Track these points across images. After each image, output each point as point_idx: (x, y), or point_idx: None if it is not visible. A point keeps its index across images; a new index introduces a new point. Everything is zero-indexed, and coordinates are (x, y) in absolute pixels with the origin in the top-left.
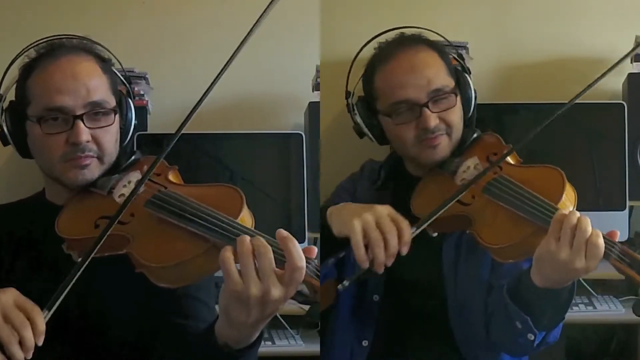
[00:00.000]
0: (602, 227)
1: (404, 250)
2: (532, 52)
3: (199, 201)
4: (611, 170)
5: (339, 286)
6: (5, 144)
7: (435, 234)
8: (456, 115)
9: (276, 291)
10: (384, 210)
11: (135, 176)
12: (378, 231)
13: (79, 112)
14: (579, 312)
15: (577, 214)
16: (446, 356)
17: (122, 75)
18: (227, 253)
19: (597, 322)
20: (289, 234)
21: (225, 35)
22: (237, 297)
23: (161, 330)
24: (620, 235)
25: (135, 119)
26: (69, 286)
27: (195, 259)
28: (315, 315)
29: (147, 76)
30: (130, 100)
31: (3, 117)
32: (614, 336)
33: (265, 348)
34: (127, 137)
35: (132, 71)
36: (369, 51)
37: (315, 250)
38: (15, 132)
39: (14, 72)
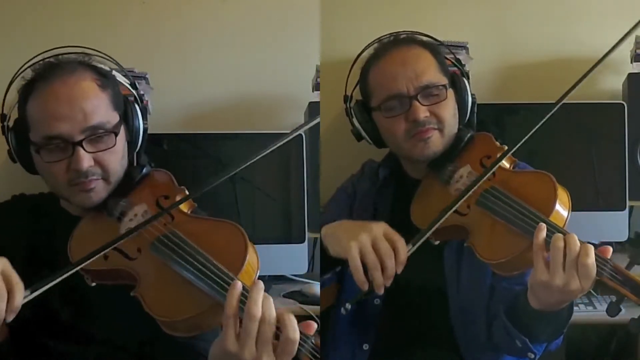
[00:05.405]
0: (602, 227)
1: (400, 270)
2: (532, 52)
3: (204, 245)
4: (611, 170)
5: (342, 310)
6: (14, 161)
7: (437, 242)
8: (448, 111)
9: None
10: (379, 230)
11: (142, 208)
12: (374, 254)
13: (77, 139)
14: (579, 312)
15: (561, 236)
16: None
17: (127, 80)
18: (233, 320)
19: (597, 322)
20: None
21: (225, 35)
22: (229, 357)
23: (162, 345)
24: (620, 235)
25: (145, 123)
26: (57, 280)
27: (202, 314)
28: None
29: (147, 76)
30: (137, 107)
31: (9, 136)
32: (614, 336)
33: None
34: (137, 145)
35: (132, 71)
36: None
37: (314, 326)
38: (21, 152)
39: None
